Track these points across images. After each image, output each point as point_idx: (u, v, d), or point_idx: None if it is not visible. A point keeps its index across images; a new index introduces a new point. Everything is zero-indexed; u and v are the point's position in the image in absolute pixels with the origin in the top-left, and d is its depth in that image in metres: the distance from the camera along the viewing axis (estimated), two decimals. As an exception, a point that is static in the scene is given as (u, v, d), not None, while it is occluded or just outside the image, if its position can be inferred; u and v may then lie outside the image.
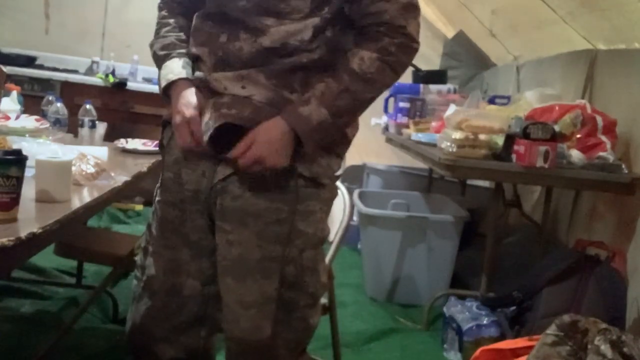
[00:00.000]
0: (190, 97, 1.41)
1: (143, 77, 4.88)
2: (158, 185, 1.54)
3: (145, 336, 1.50)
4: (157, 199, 1.52)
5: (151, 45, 1.54)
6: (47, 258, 2.87)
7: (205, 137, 1.38)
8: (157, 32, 1.56)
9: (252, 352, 1.42)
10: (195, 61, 1.47)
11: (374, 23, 1.37)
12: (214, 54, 1.41)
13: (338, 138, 1.43)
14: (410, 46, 1.38)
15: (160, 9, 1.58)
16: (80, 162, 1.80)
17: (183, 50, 1.49)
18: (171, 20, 1.54)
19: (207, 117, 1.39)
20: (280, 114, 1.35)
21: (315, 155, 1.40)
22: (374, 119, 4.04)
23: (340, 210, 2.03)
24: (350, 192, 2.17)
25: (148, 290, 1.49)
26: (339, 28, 1.40)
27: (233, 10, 1.39)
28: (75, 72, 4.84)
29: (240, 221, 1.39)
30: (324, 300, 2.01)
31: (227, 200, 1.40)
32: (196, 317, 1.50)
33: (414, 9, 1.38)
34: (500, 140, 2.58)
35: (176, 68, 1.46)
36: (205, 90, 1.42)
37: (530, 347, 1.59)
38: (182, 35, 1.52)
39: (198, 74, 1.45)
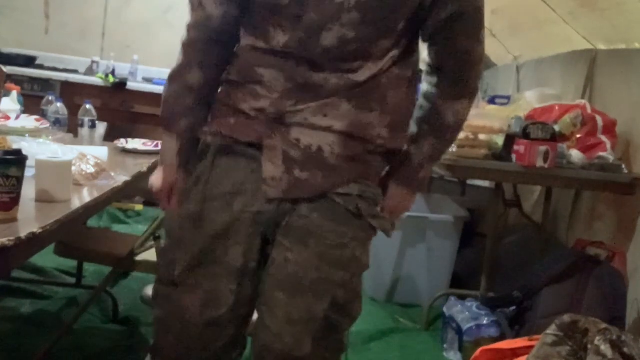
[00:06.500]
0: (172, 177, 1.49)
1: (143, 77, 4.88)
2: (187, 214, 1.44)
3: None
4: (193, 230, 1.43)
5: (170, 79, 1.45)
6: (47, 258, 2.88)
7: (275, 193, 1.39)
8: (179, 71, 1.43)
9: None
10: (250, 83, 1.38)
11: (459, 62, 1.42)
12: (291, 80, 1.35)
13: None
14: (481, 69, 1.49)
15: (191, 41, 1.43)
16: (80, 162, 1.80)
17: (192, 120, 1.46)
18: (201, 72, 1.43)
19: (276, 167, 1.38)
20: (402, 182, 1.51)
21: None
22: (374, 119, 4.03)
23: (340, 210, 2.02)
24: (350, 192, 2.16)
25: (182, 322, 1.44)
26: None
27: (316, 57, 1.34)
28: (75, 72, 4.83)
29: (301, 240, 1.38)
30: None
31: (294, 218, 1.39)
32: (232, 341, 1.46)
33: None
34: (500, 140, 2.58)
35: (172, 151, 1.48)
36: (269, 119, 1.37)
37: (530, 347, 1.59)
38: (204, 93, 1.45)
39: (260, 103, 1.38)
